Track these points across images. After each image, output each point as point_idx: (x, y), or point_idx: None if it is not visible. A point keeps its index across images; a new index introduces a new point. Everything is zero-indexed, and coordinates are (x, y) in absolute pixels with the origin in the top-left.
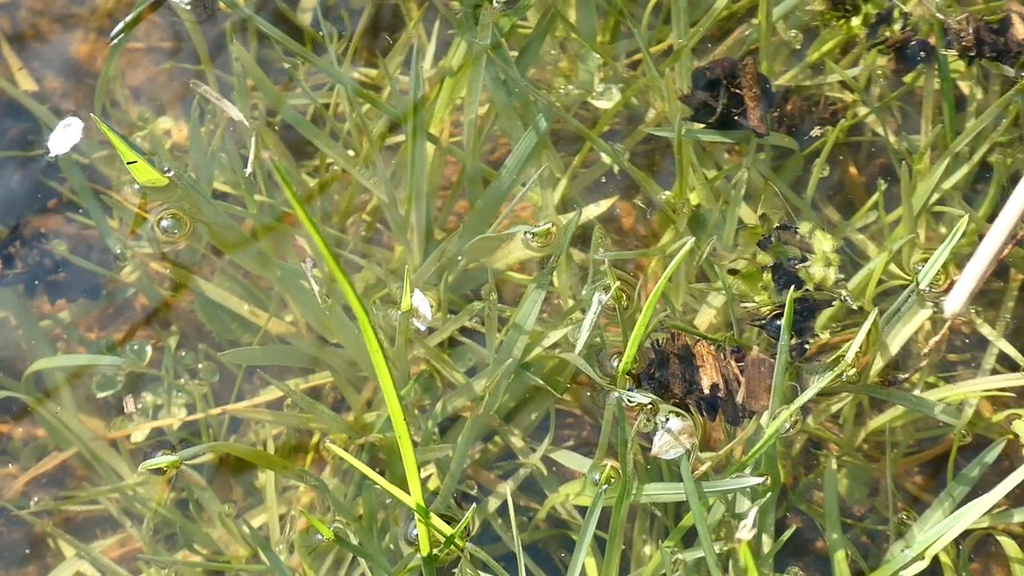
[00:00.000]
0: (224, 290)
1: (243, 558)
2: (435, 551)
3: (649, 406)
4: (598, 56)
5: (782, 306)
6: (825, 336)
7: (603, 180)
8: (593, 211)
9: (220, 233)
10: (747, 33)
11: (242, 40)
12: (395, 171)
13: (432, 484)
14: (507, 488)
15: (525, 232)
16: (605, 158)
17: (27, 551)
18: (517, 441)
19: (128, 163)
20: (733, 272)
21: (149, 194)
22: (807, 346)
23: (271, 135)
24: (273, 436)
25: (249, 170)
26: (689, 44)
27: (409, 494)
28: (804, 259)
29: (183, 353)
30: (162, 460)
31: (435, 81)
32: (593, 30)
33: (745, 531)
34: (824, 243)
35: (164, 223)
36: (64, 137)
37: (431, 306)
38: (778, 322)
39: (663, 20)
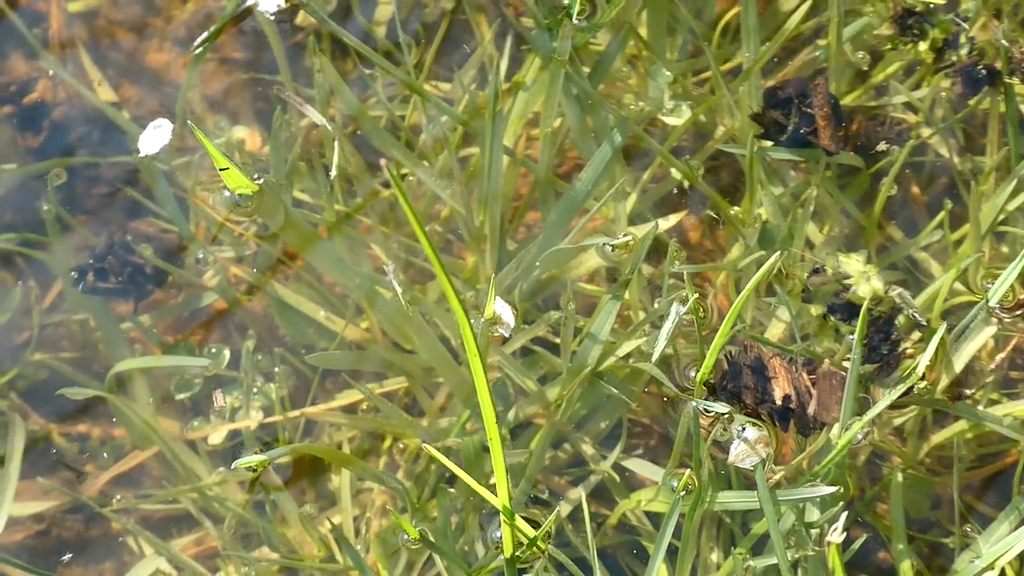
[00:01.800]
0: (301, 296)
1: (317, 558)
2: (517, 553)
3: (725, 416)
4: (669, 73)
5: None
6: (913, 338)
7: (672, 195)
8: (662, 225)
9: (301, 240)
10: (817, 54)
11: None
12: (466, 182)
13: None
14: (579, 494)
15: (604, 244)
16: (675, 173)
17: (104, 549)
18: (588, 448)
19: (220, 169)
20: (805, 338)
21: (241, 201)
22: (894, 356)
23: (347, 144)
24: (347, 440)
25: (334, 173)
26: (760, 63)
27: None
28: (846, 288)
29: (259, 357)
30: (253, 459)
31: (507, 95)
32: (663, 48)
33: (835, 534)
34: (853, 263)
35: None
36: (154, 138)
37: (513, 314)
38: (882, 348)
39: (730, 40)
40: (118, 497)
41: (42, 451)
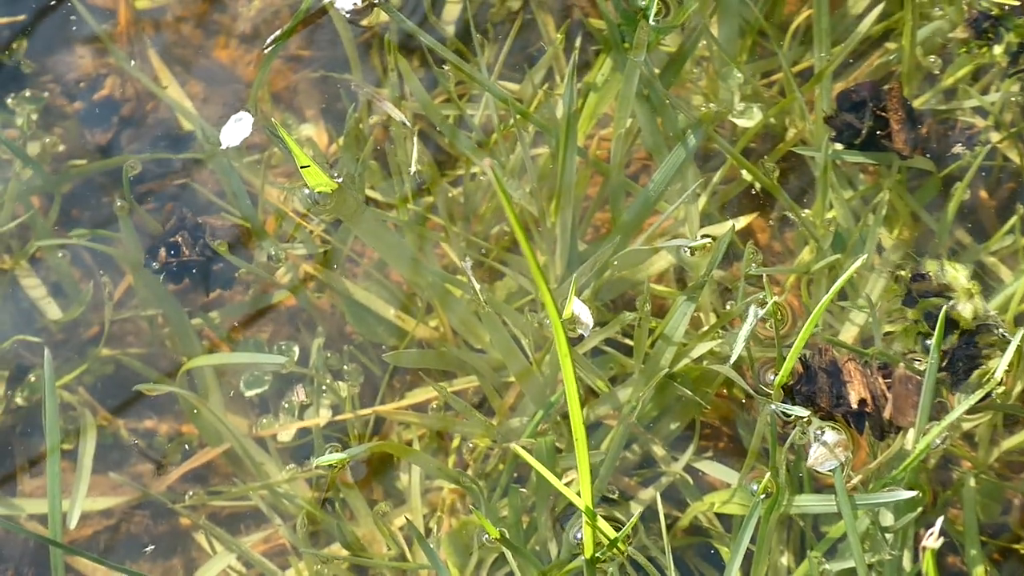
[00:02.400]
0: (371, 294)
1: (386, 557)
2: (596, 553)
3: (804, 419)
4: (740, 75)
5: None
6: (990, 356)
7: (739, 196)
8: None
9: (376, 239)
10: (888, 58)
11: (379, 52)
12: (535, 181)
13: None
14: (651, 494)
15: (682, 246)
16: (746, 175)
17: (172, 545)
18: (658, 449)
19: (301, 167)
20: (888, 334)
21: (320, 199)
22: (972, 368)
23: (418, 142)
24: (416, 439)
25: (414, 169)
26: (833, 66)
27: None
28: (948, 299)
29: (328, 355)
30: (334, 457)
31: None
32: (735, 49)
33: (931, 539)
34: (959, 276)
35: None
36: (235, 131)
37: (591, 314)
38: (962, 362)
39: (799, 42)
40: (190, 493)
41: (110, 446)
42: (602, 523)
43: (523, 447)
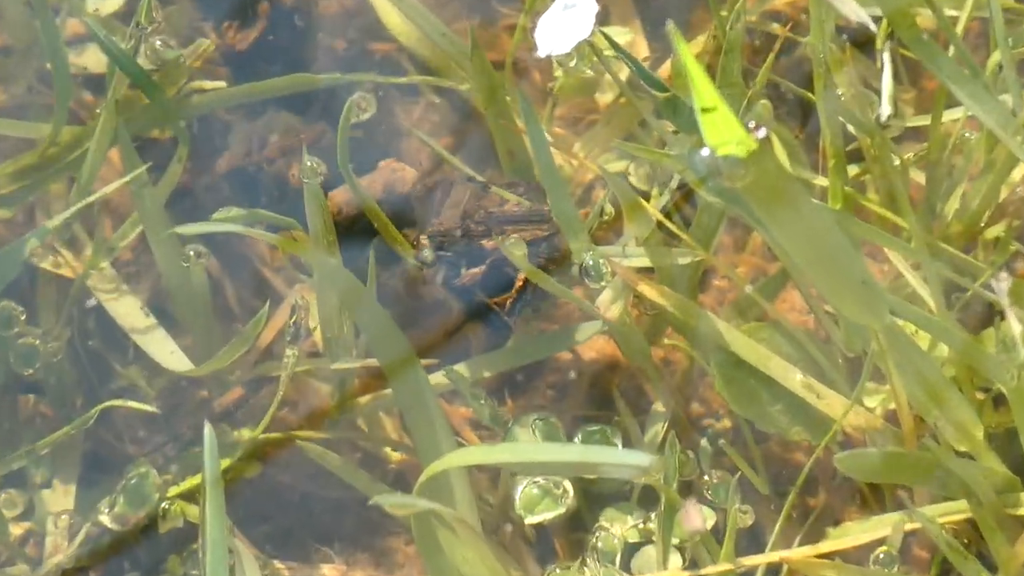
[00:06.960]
0: (759, 341)
1: None
2: None
3: None
4: None
5: None
6: None
7: None
8: None
9: (805, 234)
10: None
11: None
12: None
13: None
14: None
15: None
16: None
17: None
18: None
19: (703, 109)
20: None
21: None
22: None
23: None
24: None
25: (886, 114)
26: None
27: None
28: None
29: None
30: None
31: None
32: None
33: None
34: None
35: None
36: (564, 26)
37: None
38: None
39: None
40: None
41: None
42: None
43: None
